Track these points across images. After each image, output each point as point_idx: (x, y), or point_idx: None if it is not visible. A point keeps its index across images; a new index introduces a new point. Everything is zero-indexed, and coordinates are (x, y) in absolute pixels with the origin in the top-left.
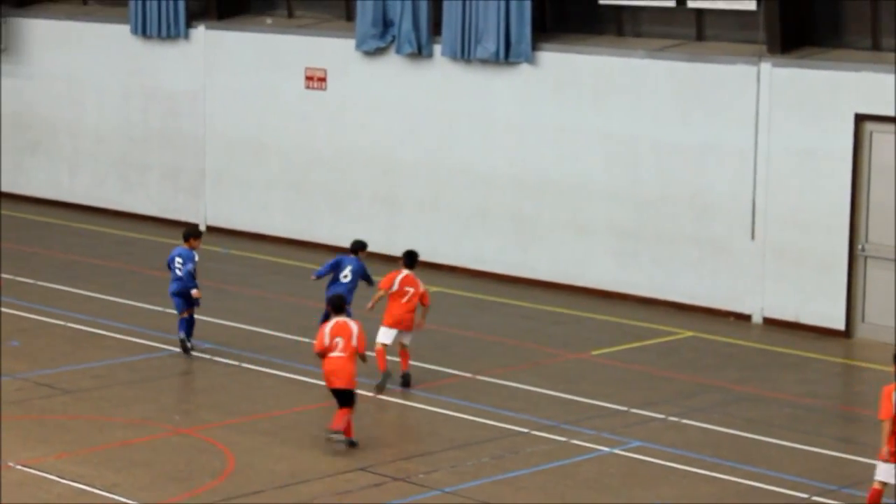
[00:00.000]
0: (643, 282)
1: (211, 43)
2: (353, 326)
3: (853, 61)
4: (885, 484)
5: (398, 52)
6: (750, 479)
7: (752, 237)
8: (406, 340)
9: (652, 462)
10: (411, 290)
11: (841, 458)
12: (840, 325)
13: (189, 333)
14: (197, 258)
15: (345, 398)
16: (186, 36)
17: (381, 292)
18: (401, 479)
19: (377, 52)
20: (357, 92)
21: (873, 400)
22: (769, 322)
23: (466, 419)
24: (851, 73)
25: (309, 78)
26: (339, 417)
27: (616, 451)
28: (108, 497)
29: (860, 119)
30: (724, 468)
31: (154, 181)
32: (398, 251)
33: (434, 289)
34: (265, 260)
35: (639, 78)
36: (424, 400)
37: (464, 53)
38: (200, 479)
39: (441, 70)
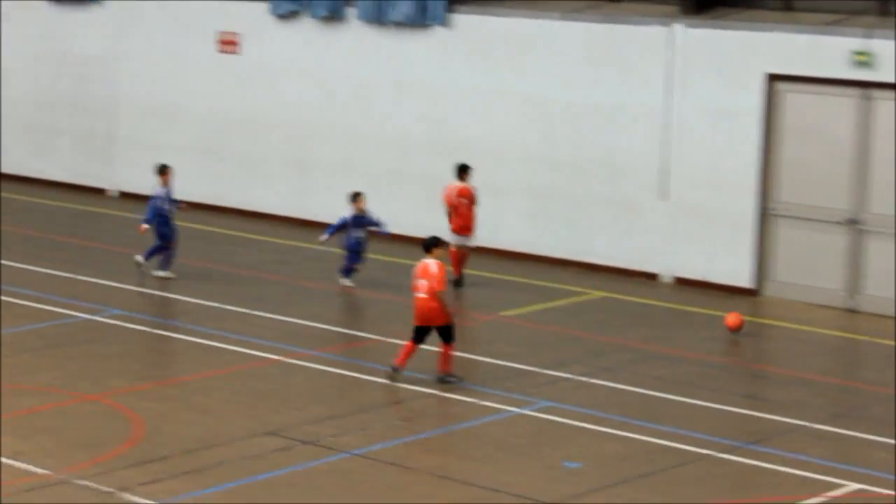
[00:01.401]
0: (555, 243)
1: (123, 7)
2: (433, 267)
3: (765, 21)
4: None
5: (313, 15)
6: (658, 438)
7: (663, 197)
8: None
9: (560, 422)
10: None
11: (748, 414)
12: (749, 283)
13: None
14: (161, 193)
15: (445, 334)
16: (98, 0)
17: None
18: (310, 443)
19: (291, 15)
20: (271, 56)
21: (780, 357)
22: (679, 281)
23: (376, 382)
24: (763, 34)
25: (222, 42)
26: (444, 359)
27: (525, 411)
28: (13, 465)
29: (771, 79)
30: (632, 427)
31: (65, 147)
32: (311, 215)
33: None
34: (177, 225)
35: (553, 40)
36: (332, 362)
37: (378, 16)
38: (108, 446)
39: (356, 33)
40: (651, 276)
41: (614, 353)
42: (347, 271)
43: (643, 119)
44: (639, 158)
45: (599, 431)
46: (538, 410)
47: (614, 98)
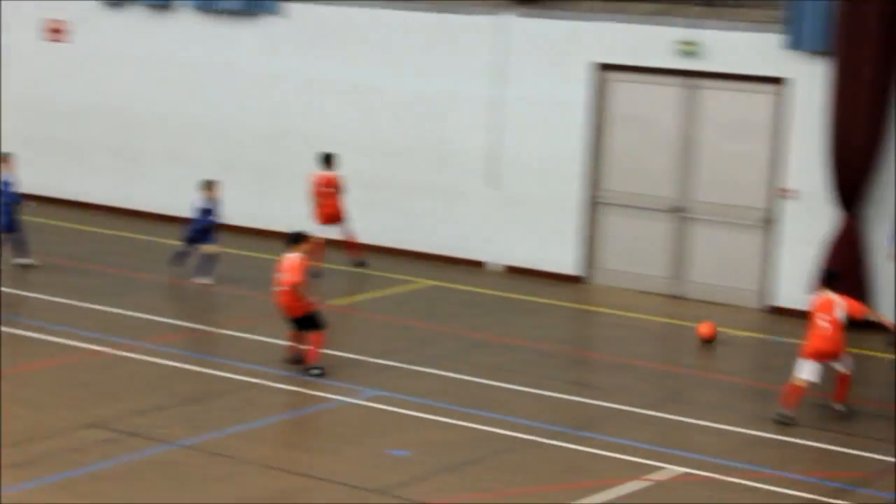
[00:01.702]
0: (385, 231)
1: None
2: (293, 261)
3: (592, 12)
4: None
5: (144, 2)
6: (485, 425)
7: (492, 186)
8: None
9: (388, 410)
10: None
11: (574, 400)
12: (576, 270)
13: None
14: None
15: (306, 324)
16: None
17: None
18: (136, 435)
19: (120, 2)
20: (99, 43)
21: (606, 343)
22: (507, 269)
23: (202, 372)
24: (590, 24)
25: (49, 30)
26: (312, 349)
27: (353, 400)
28: None
29: (598, 68)
30: (460, 414)
31: None
32: (139, 205)
33: (177, 243)
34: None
35: (383, 28)
36: (160, 353)
37: (209, 4)
38: None
39: (186, 21)
40: (480, 265)
41: (443, 342)
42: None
43: (472, 108)
44: (468, 147)
45: (427, 419)
46: (366, 399)
47: (443, 87)
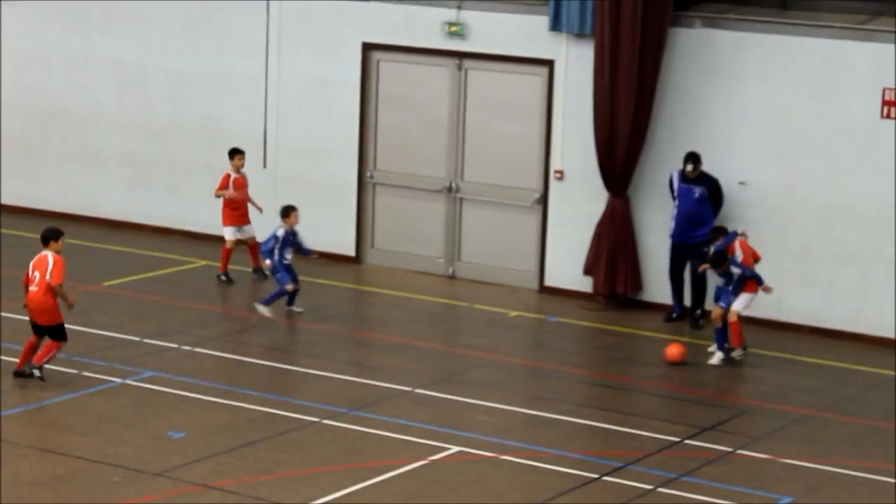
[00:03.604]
0: (156, 212)
1: None
2: (49, 260)
3: None
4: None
5: None
6: (264, 406)
7: (264, 166)
8: None
9: (165, 391)
10: None
11: (354, 381)
12: (350, 251)
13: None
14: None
15: (52, 333)
16: None
17: None
18: None
19: None
20: None
21: (382, 324)
22: None
23: None
24: (359, 3)
25: None
26: (45, 350)
27: (129, 381)
28: None
29: (367, 48)
30: (238, 395)
31: None
32: None
33: None
34: None
35: (149, 5)
36: None
37: None
38: None
39: None
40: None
41: (219, 323)
42: (290, 298)
43: (241, 87)
44: (240, 127)
45: (204, 400)
46: (142, 380)
47: (214, 66)
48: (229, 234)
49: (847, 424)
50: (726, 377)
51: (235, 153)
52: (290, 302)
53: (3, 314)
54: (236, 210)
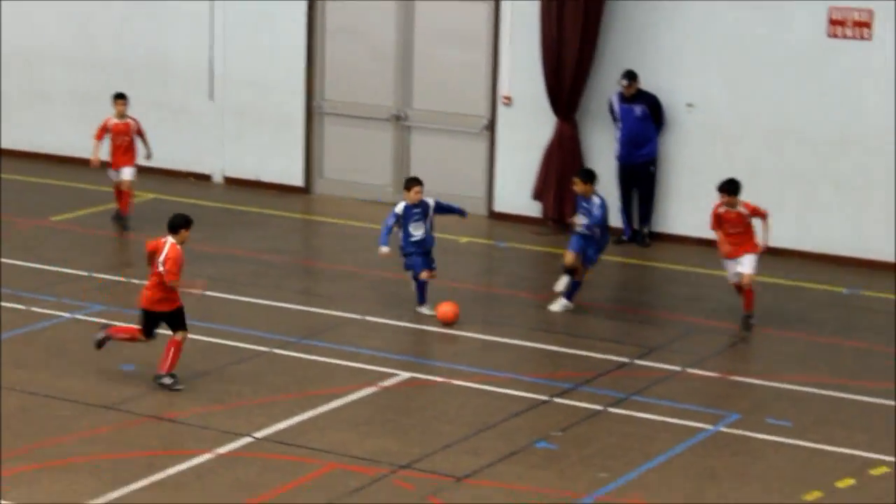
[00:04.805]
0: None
1: None
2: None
3: None
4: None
5: None
6: (213, 336)
7: (212, 98)
8: None
9: (114, 325)
10: None
11: (302, 310)
12: (299, 181)
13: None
14: (398, 209)
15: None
16: None
17: None
18: None
19: None
20: None
21: (331, 253)
22: (230, 181)
23: None
24: None
25: None
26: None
27: (79, 315)
28: None
29: None
30: (189, 327)
31: None
32: None
33: None
34: None
35: None
36: None
37: None
38: None
39: None
40: (204, 178)
41: None
42: (420, 292)
43: (187, 20)
44: (187, 60)
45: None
46: (91, 314)
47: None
48: (113, 175)
49: (793, 341)
50: (673, 297)
51: (116, 98)
52: (421, 298)
53: None
54: (116, 153)
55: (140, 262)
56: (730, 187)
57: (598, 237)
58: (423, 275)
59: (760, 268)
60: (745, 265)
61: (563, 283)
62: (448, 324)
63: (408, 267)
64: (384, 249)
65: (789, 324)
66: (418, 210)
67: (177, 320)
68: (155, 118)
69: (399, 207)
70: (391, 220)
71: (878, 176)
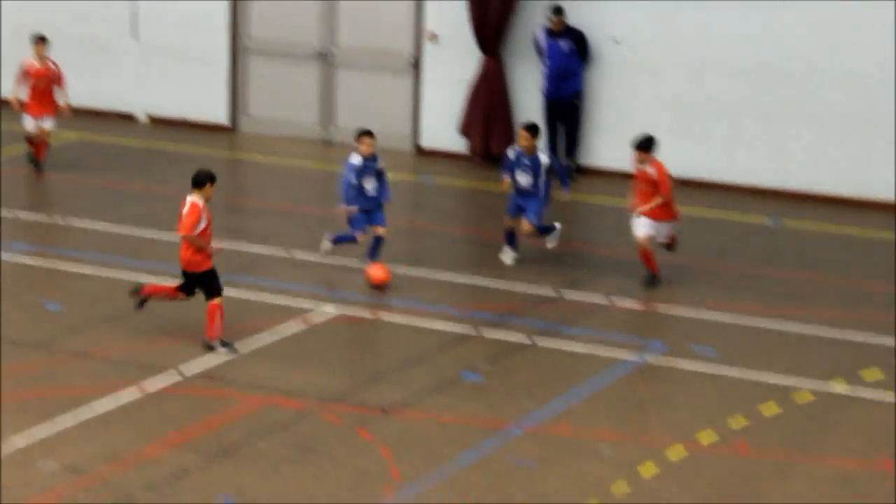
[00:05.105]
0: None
1: None
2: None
3: None
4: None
5: None
6: (139, 275)
7: (135, 37)
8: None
9: (38, 265)
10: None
11: (230, 248)
12: (224, 119)
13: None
14: (356, 164)
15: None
16: None
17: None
18: None
19: None
20: None
21: (258, 190)
22: (155, 121)
23: None
24: None
25: None
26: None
27: (2, 255)
28: None
29: None
30: (115, 265)
31: None
32: None
33: None
34: None
35: None
36: None
37: None
38: None
39: None
40: (127, 117)
41: (92, 195)
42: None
43: None
44: None
45: (78, 273)
46: (12, 254)
47: None
48: (29, 123)
49: (719, 272)
50: (601, 231)
51: (37, 40)
52: (373, 253)
53: None
54: (35, 98)
55: (63, 201)
56: (639, 144)
57: (543, 191)
58: (358, 235)
59: (690, 201)
60: (640, 227)
61: (508, 256)
62: (379, 287)
63: (349, 221)
64: (352, 208)
65: (715, 255)
66: (371, 163)
67: (209, 285)
68: (77, 57)
69: (356, 160)
70: (352, 177)
71: (802, 108)
